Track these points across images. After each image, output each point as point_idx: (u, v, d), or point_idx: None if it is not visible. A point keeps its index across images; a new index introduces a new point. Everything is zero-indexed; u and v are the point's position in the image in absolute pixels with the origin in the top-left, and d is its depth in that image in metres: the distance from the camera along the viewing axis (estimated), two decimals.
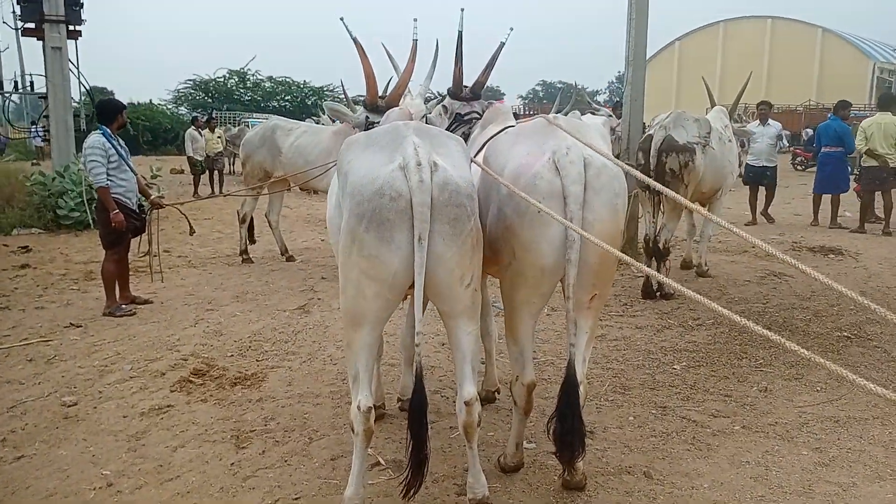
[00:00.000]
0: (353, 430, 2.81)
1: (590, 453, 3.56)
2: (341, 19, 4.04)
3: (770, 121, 11.11)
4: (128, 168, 6.26)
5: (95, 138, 6.11)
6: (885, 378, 4.52)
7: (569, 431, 2.87)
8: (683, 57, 52.52)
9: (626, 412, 4.11)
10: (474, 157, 3.43)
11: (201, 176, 16.33)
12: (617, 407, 4.19)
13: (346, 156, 2.86)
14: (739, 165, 9.62)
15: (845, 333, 5.41)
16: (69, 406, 4.21)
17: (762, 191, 11.52)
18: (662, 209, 6.56)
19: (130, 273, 6.68)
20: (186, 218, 6.72)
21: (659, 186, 2.80)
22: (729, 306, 6.24)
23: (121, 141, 6.35)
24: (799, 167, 22.94)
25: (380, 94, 4.15)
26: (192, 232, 6.91)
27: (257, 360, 4.95)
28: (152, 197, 6.62)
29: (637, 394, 4.38)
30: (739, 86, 8.05)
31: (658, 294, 6.56)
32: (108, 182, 6.03)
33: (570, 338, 2.90)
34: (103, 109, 6.39)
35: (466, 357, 2.82)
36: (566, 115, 9.44)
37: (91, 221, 9.35)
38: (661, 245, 6.44)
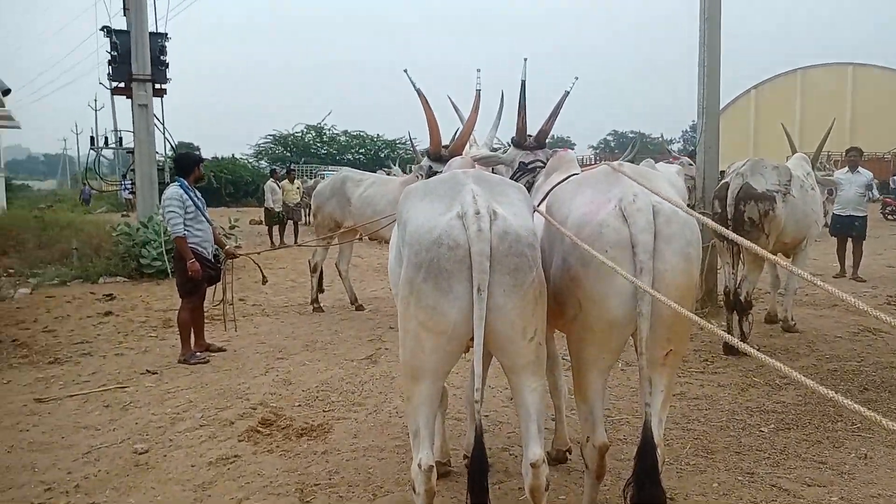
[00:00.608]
0: (413, 490, 2.70)
1: None
2: (405, 71, 4.08)
3: (860, 168, 10.56)
4: (204, 219, 6.46)
5: (173, 190, 6.35)
6: None
7: (647, 499, 2.67)
8: (760, 105, 51.27)
9: (709, 478, 3.82)
10: (538, 205, 3.34)
11: (279, 227, 16.85)
12: (700, 472, 3.90)
13: (405, 205, 2.82)
14: (825, 215, 9.14)
15: None
16: (140, 454, 4.25)
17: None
18: (743, 260, 6.25)
19: (206, 321, 6.84)
20: (259, 267, 6.86)
21: (732, 235, 2.63)
22: (819, 364, 5.85)
23: (198, 193, 6.57)
24: (890, 216, 21.75)
25: (444, 144, 4.15)
26: (264, 281, 7.04)
27: (324, 411, 4.92)
28: (227, 247, 6.81)
29: (721, 458, 4.08)
30: (819, 134, 7.71)
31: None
32: (185, 232, 6.24)
33: (644, 397, 2.72)
34: (181, 162, 6.67)
35: (531, 415, 2.68)
36: (637, 163, 9.28)
37: (169, 271, 9.71)
38: (742, 298, 6.12)
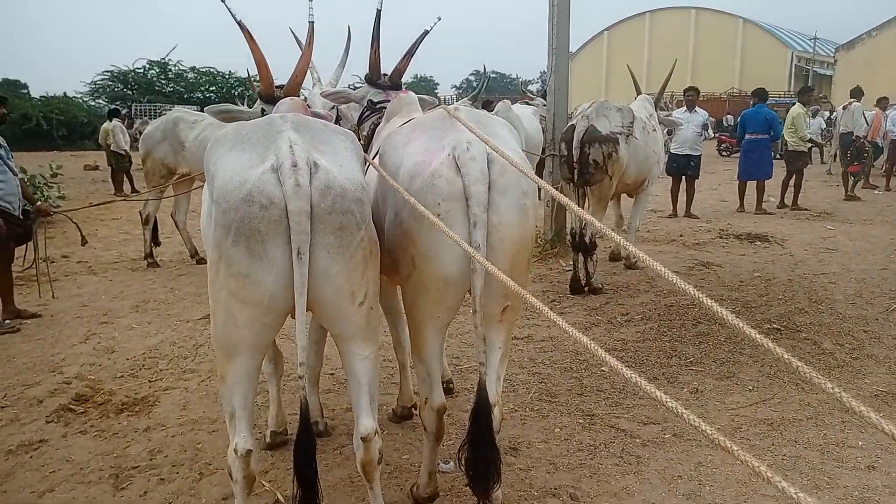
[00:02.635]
0: (231, 477, 2.42)
1: (513, 474, 3.29)
2: (222, 1, 3.57)
3: (697, 108, 11.06)
4: (7, 169, 5.62)
5: None
6: (820, 372, 4.37)
7: (481, 461, 2.55)
8: (611, 47, 53.43)
9: (552, 423, 3.83)
10: (375, 153, 3.06)
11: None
12: (543, 417, 3.91)
13: (212, 155, 2.43)
14: (666, 154, 9.53)
15: (775, 325, 5.28)
16: None
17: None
18: (588, 201, 6.33)
19: (21, 283, 6.05)
20: (78, 227, 6.05)
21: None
22: (657, 299, 6.08)
23: (1, 140, 5.71)
24: (724, 153, 23.44)
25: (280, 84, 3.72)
26: (83, 242, 6.26)
27: (150, 381, 4.46)
28: (39, 203, 6.01)
29: (564, 401, 4.12)
30: (666, 75, 7.91)
31: (586, 289, 6.34)
32: None
33: (479, 356, 2.56)
34: None
35: (363, 385, 2.46)
36: (495, 104, 9.14)
37: None
38: (587, 238, 6.21)
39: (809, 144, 12.56)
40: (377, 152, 3.11)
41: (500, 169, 2.47)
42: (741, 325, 1.61)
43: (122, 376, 4.55)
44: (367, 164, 2.87)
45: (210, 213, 2.45)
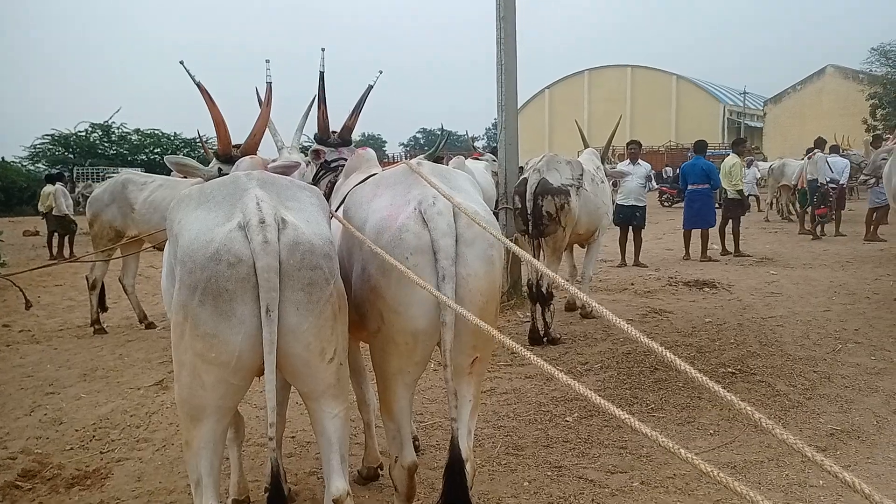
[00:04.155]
0: None
1: None
2: (181, 63, 3.60)
3: (640, 160, 11.47)
4: None
5: None
6: (774, 413, 4.48)
7: None
8: (553, 103, 55.40)
9: (520, 476, 3.79)
10: (336, 208, 3.08)
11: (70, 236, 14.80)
12: (511, 471, 3.87)
13: (177, 214, 2.40)
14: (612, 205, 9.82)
15: (730, 369, 5.41)
16: None
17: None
18: (543, 252, 6.44)
19: None
20: (21, 290, 5.82)
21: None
22: (615, 347, 6.17)
23: None
24: (665, 203, 24.23)
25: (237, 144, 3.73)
26: (28, 306, 5.98)
27: (101, 453, 4.25)
28: None
29: (531, 453, 4.09)
30: (606, 129, 8.24)
31: (545, 340, 6.39)
32: None
33: (451, 411, 2.55)
34: None
35: (334, 444, 2.41)
36: (447, 160, 9.32)
37: None
38: (544, 289, 6.30)
39: (748, 193, 13.17)
40: (338, 207, 3.12)
41: (466, 221, 2.51)
42: (699, 376, 1.65)
43: (71, 448, 4.33)
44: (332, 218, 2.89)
45: (171, 273, 2.41)
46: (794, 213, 17.17)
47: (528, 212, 6.18)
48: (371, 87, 4.07)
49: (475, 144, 17.04)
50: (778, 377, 5.21)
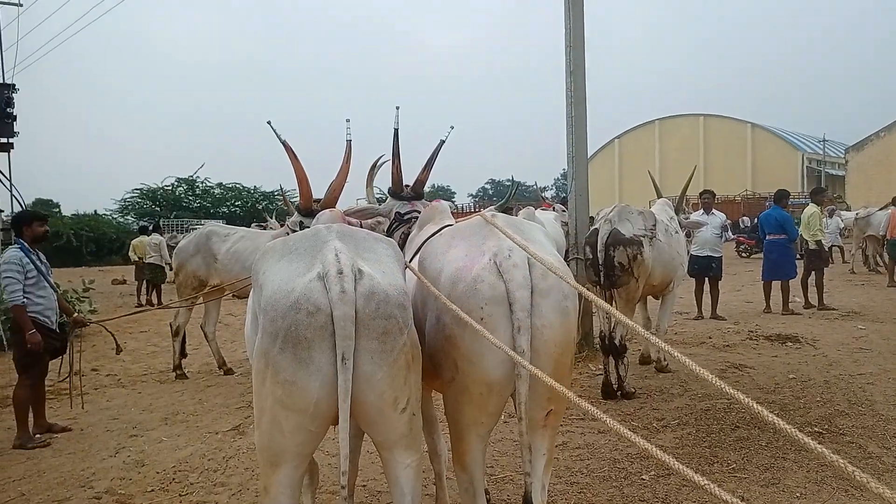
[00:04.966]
0: None
1: None
2: (268, 123, 3.81)
3: (714, 210, 11.23)
4: (47, 284, 5.79)
5: (11, 253, 5.67)
6: (869, 476, 4.20)
7: None
8: (623, 153, 55.06)
9: None
10: (410, 259, 3.15)
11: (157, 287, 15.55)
12: None
13: (261, 266, 2.52)
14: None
15: (816, 428, 5.12)
16: None
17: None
18: (616, 304, 6.34)
19: (52, 397, 6.05)
20: (113, 335, 6.17)
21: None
22: (693, 403, 5.96)
23: (41, 255, 5.92)
24: (743, 254, 23.49)
25: (318, 198, 3.90)
26: (118, 350, 6.35)
27: (180, 495, 4.38)
28: (75, 315, 6.14)
29: None
30: (678, 179, 8.12)
31: (619, 393, 6.23)
32: (25, 300, 5.54)
33: (524, 465, 2.52)
34: (14, 221, 6.01)
35: (406, 495, 2.42)
36: (517, 211, 9.36)
37: (5, 343, 8.66)
38: (616, 341, 6.18)
39: (830, 244, 12.63)
40: (412, 258, 3.20)
41: (541, 273, 2.53)
42: (788, 427, 1.59)
43: (152, 490, 4.48)
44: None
45: (255, 321, 2.52)
46: (882, 264, 16.35)
47: (600, 262, 6.13)
48: (443, 141, 4.17)
49: (544, 195, 17.12)
50: (869, 438, 4.91)
